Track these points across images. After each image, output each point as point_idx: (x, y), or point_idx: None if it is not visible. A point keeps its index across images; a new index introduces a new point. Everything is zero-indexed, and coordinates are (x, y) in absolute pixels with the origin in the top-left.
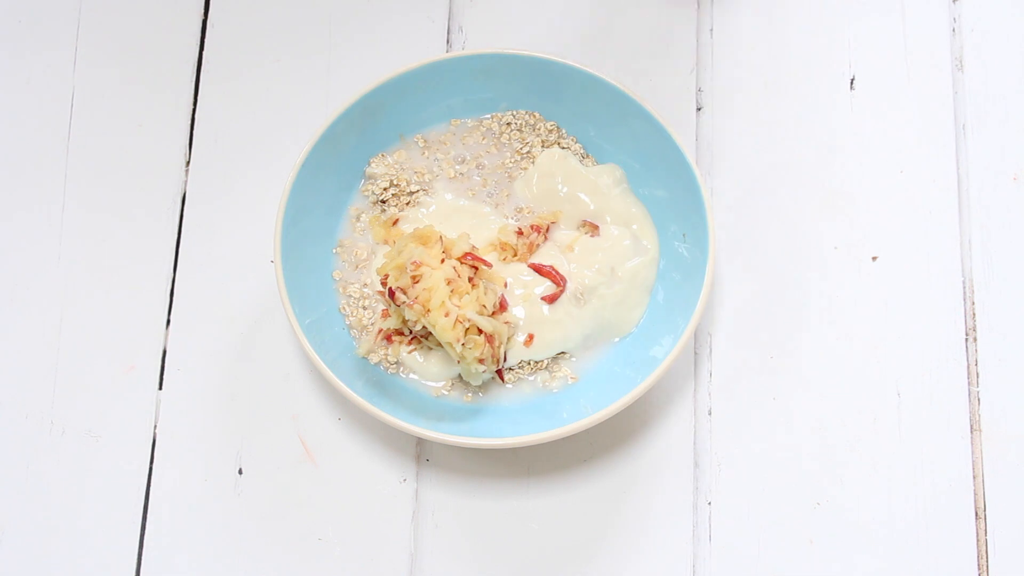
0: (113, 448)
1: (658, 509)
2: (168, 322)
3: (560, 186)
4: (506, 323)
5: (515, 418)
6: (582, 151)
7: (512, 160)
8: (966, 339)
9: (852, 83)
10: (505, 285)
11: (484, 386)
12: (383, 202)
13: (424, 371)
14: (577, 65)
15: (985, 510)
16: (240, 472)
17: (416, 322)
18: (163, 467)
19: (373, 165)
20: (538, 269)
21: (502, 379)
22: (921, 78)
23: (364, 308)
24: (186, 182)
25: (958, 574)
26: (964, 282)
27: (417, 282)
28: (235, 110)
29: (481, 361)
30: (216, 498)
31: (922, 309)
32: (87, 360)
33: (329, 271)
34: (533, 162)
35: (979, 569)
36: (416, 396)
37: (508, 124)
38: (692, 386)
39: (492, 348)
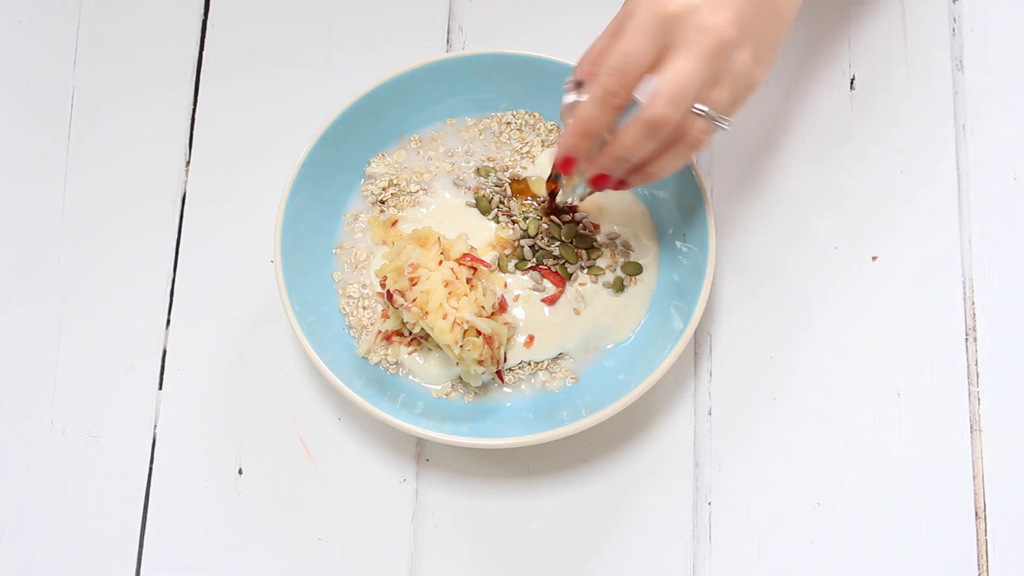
0: (113, 448)
1: (658, 509)
2: (168, 322)
3: None
4: (506, 324)
5: (515, 418)
6: None
7: (512, 159)
8: (966, 339)
9: (852, 83)
10: (505, 285)
11: (484, 386)
12: (382, 202)
13: (424, 373)
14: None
15: (985, 510)
16: (240, 472)
17: (415, 324)
18: (163, 467)
19: (373, 165)
20: (539, 270)
21: (502, 380)
22: (921, 78)
23: (364, 308)
24: (186, 182)
25: (958, 574)
26: (964, 282)
27: (415, 284)
28: (235, 110)
29: (480, 362)
30: (216, 498)
31: (922, 309)
32: (87, 360)
33: (329, 271)
34: (533, 162)
35: (979, 569)
36: (416, 396)
37: (508, 124)
38: (692, 386)
39: (491, 349)
